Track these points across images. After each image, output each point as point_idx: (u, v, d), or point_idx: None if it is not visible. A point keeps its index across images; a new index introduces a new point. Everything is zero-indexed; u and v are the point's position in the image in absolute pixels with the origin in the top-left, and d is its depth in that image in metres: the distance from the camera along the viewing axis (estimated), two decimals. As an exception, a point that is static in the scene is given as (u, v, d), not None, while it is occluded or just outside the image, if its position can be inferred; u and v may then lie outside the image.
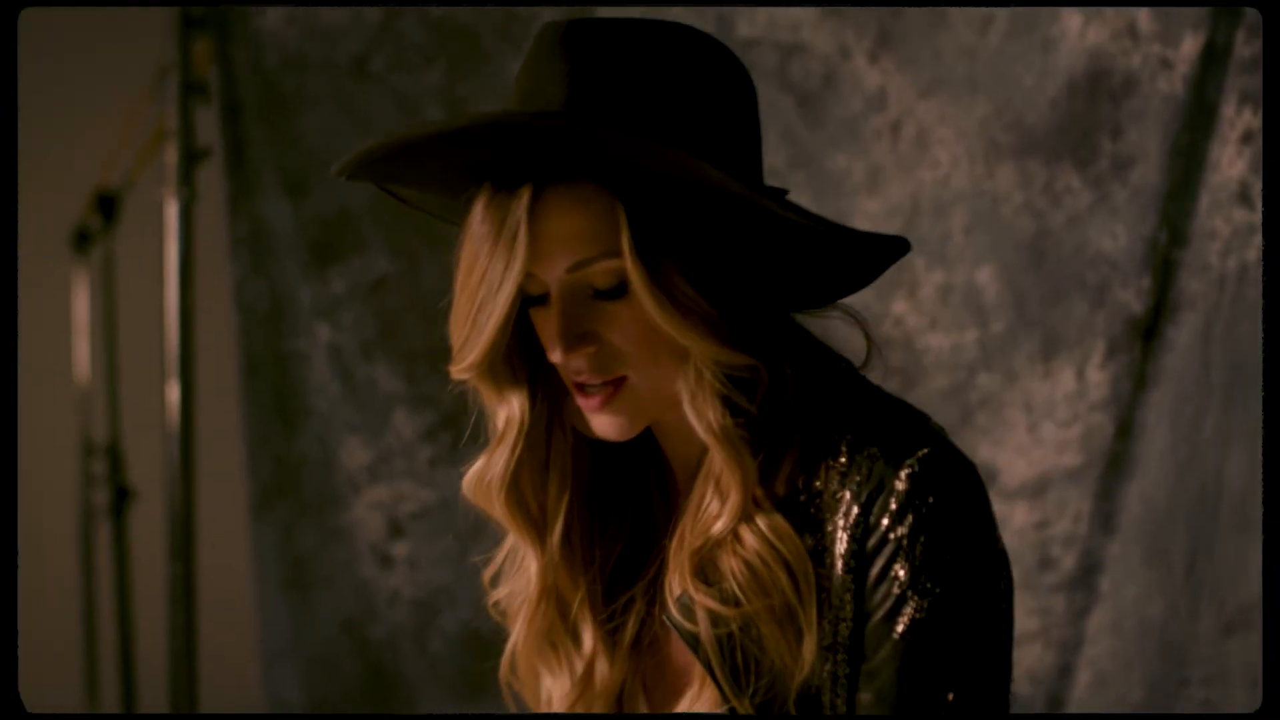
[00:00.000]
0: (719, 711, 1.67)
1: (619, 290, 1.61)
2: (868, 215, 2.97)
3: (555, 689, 1.85)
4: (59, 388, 4.43)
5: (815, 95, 3.06)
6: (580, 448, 1.79)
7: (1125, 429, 2.81)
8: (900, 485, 1.59)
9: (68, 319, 4.41)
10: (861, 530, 1.59)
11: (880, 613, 1.59)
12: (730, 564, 1.63)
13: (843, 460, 1.62)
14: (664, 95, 1.60)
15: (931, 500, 1.58)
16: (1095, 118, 2.83)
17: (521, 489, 1.76)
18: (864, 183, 3.01)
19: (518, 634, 1.81)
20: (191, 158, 3.47)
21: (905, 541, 1.58)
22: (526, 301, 1.67)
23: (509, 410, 1.74)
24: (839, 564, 1.60)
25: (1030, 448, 2.88)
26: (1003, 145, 2.91)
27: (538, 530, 1.78)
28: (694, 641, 1.63)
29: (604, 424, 1.68)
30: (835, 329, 1.75)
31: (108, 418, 4.10)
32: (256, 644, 3.54)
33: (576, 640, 1.82)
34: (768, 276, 1.65)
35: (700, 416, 1.61)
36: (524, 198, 1.61)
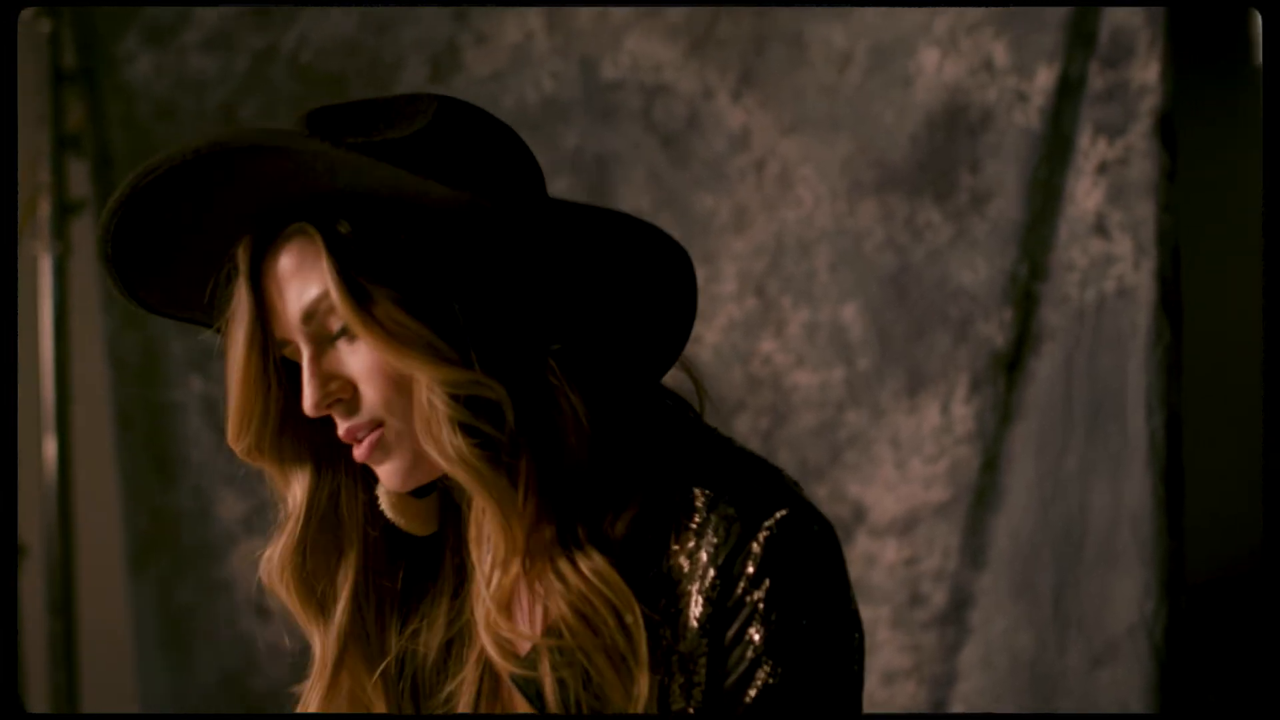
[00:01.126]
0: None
1: (348, 330, 1.58)
2: (734, 255, 2.96)
3: None
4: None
5: (679, 136, 3.06)
6: (382, 528, 1.77)
7: (991, 462, 2.82)
8: (757, 548, 1.56)
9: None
10: (718, 593, 1.56)
11: (733, 676, 1.57)
12: (559, 608, 1.61)
13: (698, 521, 1.60)
14: (379, 123, 1.58)
15: (788, 564, 1.56)
16: (954, 152, 2.84)
17: (305, 573, 1.73)
18: (730, 223, 3.01)
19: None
20: (65, 212, 3.45)
21: (761, 606, 1.55)
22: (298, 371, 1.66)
23: (292, 494, 1.71)
24: (694, 626, 1.57)
25: (898, 483, 2.88)
26: (865, 182, 2.91)
27: (323, 616, 1.75)
28: (536, 693, 1.61)
29: (385, 474, 1.65)
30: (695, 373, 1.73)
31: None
32: (137, 701, 3.51)
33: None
34: (515, 298, 1.61)
35: (434, 443, 1.57)
36: (242, 255, 1.60)
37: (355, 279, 1.55)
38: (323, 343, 1.60)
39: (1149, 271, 2.69)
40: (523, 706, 1.68)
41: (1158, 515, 2.68)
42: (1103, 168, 2.73)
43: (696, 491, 1.60)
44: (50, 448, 3.41)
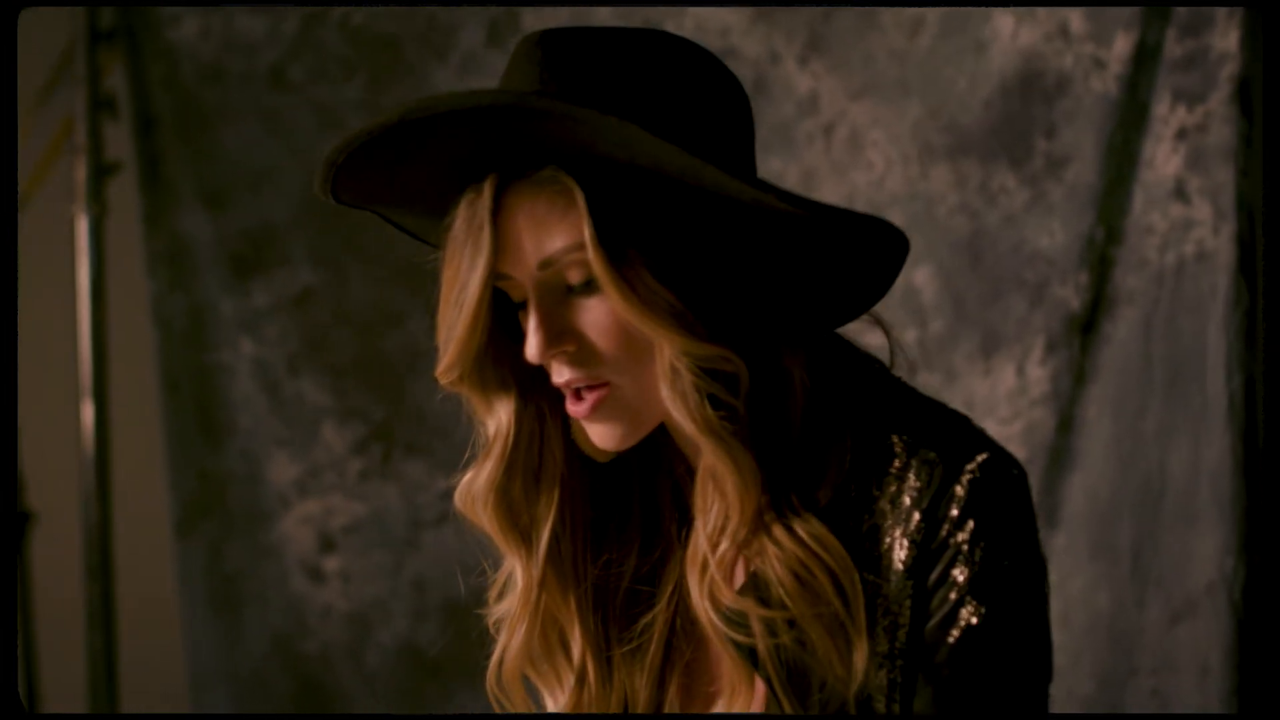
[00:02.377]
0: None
1: (590, 286, 1.59)
2: (803, 218, 2.98)
3: (551, 705, 1.83)
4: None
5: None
6: (575, 459, 1.78)
7: (1066, 424, 2.85)
8: (960, 491, 1.58)
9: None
10: (922, 536, 1.58)
11: (936, 617, 1.58)
12: (776, 573, 1.61)
13: (898, 466, 1.61)
14: (637, 85, 1.57)
15: (990, 506, 1.58)
16: (1029, 118, 2.87)
17: (510, 501, 1.73)
18: (799, 186, 3.02)
19: (503, 645, 1.80)
20: (101, 173, 3.41)
21: (965, 547, 1.57)
22: (516, 307, 1.66)
23: (496, 421, 1.72)
24: (899, 570, 1.59)
25: (972, 445, 2.91)
26: (937, 146, 2.94)
27: (526, 543, 1.76)
28: (751, 655, 1.62)
29: (598, 433, 1.66)
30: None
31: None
32: (183, 666, 3.48)
33: (567, 654, 1.81)
34: (757, 274, 1.64)
35: (679, 410, 1.58)
36: (487, 191, 1.60)
37: (612, 237, 1.55)
38: (554, 292, 1.61)
39: (1228, 236, 2.73)
40: (711, 660, 1.70)
41: (1236, 475, 2.72)
42: (1181, 134, 2.77)
43: (895, 439, 1.62)
44: (88, 413, 3.38)
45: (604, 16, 3.12)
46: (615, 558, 1.80)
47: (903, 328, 2.95)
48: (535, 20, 3.19)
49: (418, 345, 3.27)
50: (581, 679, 1.79)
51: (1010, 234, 2.89)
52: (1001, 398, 2.89)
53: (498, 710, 1.82)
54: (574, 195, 1.56)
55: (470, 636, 1.84)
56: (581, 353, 1.61)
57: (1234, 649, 2.72)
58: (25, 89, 3.79)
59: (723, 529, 1.62)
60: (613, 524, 1.80)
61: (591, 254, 1.55)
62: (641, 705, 1.81)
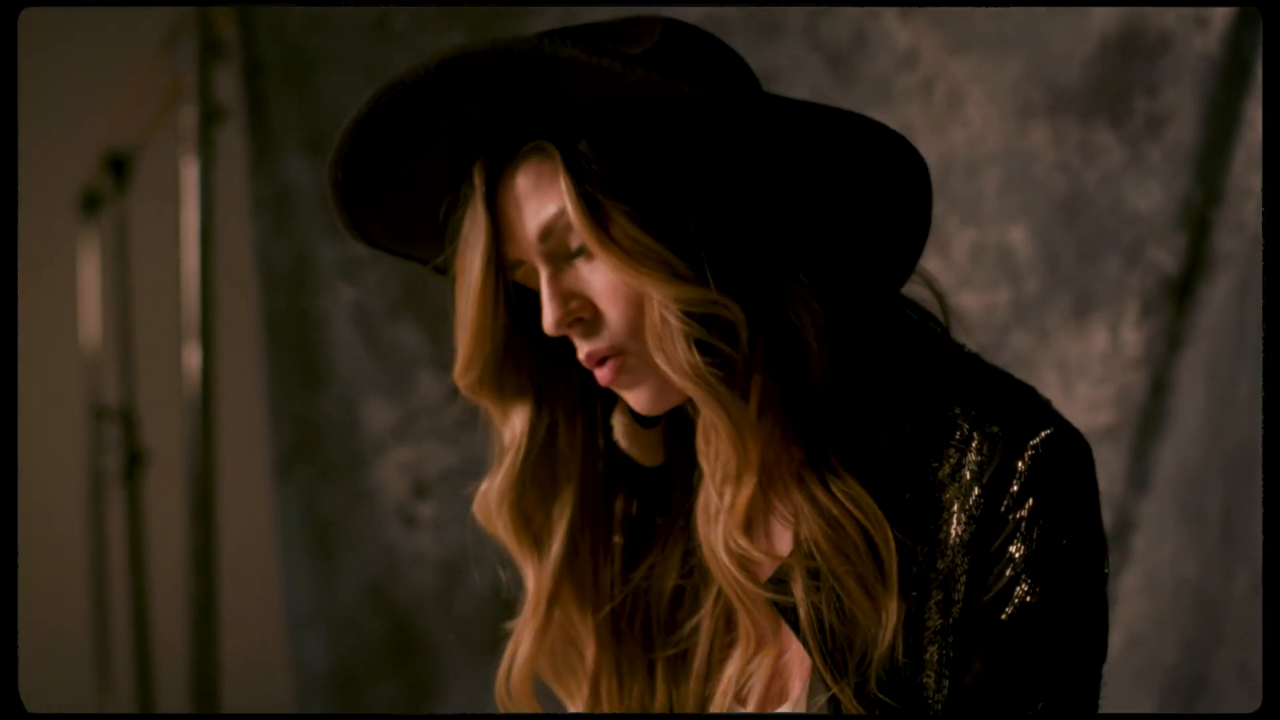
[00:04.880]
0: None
1: (586, 248, 1.59)
2: (899, 174, 2.96)
3: (571, 707, 1.83)
4: (66, 353, 4.39)
5: (845, 55, 3.05)
6: (598, 472, 1.78)
7: (1160, 387, 2.81)
8: (1022, 466, 1.56)
9: (74, 284, 4.37)
10: (981, 511, 1.57)
11: (991, 593, 1.57)
12: (809, 529, 1.61)
13: (959, 438, 1.60)
14: (613, 35, 1.57)
15: (1052, 484, 1.56)
16: (1129, 76, 2.82)
17: (523, 507, 1.74)
18: (895, 142, 2.99)
19: (509, 655, 1.80)
20: (210, 118, 3.45)
21: (1024, 524, 1.56)
22: (536, 311, 1.65)
23: (511, 430, 1.73)
24: (955, 544, 1.58)
25: (1063, 407, 2.85)
26: (1036, 104, 2.90)
27: (538, 554, 1.76)
28: (792, 616, 1.61)
29: (632, 399, 1.66)
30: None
31: (119, 382, 4.07)
32: (280, 609, 3.52)
33: (582, 660, 1.81)
34: (751, 217, 1.60)
35: (664, 358, 1.57)
36: (477, 175, 1.60)
37: (593, 196, 1.55)
38: (560, 260, 1.61)
39: (1330, 199, 2.68)
40: (757, 636, 1.69)
41: (1331, 444, 2.67)
42: (1284, 94, 2.71)
43: (957, 410, 1.61)
44: (194, 356, 3.42)
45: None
46: (659, 560, 1.80)
47: (996, 287, 2.92)
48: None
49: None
50: (595, 696, 1.80)
51: (1108, 194, 2.84)
52: (1094, 360, 2.85)
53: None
54: (556, 159, 1.57)
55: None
56: (595, 320, 1.61)
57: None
58: (134, 37, 3.85)
59: (727, 477, 1.61)
60: (659, 524, 1.81)
61: (574, 215, 1.55)
62: (690, 703, 1.80)
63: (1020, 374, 2.88)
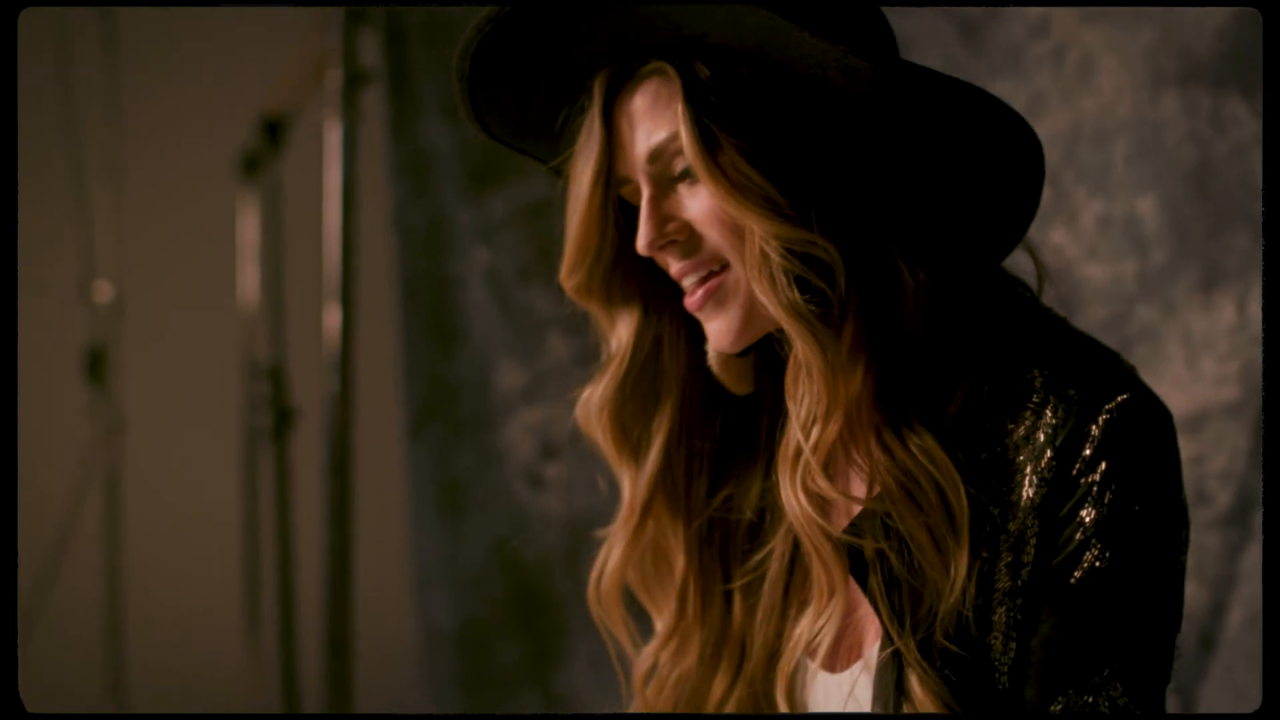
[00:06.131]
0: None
1: (691, 173, 1.62)
2: (1028, 144, 2.93)
3: (659, 625, 1.85)
4: (225, 312, 4.48)
5: (977, 22, 3.02)
6: (698, 391, 1.79)
7: (1287, 363, 2.76)
8: (1096, 431, 1.56)
9: (233, 244, 4.46)
10: (1053, 474, 1.57)
11: (1060, 556, 1.57)
12: (883, 480, 1.61)
13: (1036, 400, 1.59)
14: None
15: (1126, 449, 1.56)
16: (1262, 46, 2.77)
17: (623, 416, 1.77)
18: (1026, 110, 2.95)
19: (601, 562, 1.82)
20: (354, 82, 3.49)
21: (1095, 489, 1.56)
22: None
23: (617, 338, 1.76)
24: (1026, 506, 1.58)
25: (1188, 382, 2.83)
26: (1167, 73, 2.85)
27: (635, 462, 1.78)
28: (860, 563, 1.62)
29: (715, 332, 1.68)
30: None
31: (272, 341, 4.14)
32: (410, 565, 3.57)
33: (671, 572, 1.83)
34: (860, 164, 1.62)
35: (765, 291, 1.59)
36: (598, 90, 1.63)
37: (707, 124, 1.57)
38: (664, 184, 1.64)
39: None
40: (828, 585, 1.69)
41: None
42: None
43: (1035, 372, 1.60)
44: (334, 316, 3.47)
45: None
46: (738, 489, 1.81)
47: (1122, 258, 2.88)
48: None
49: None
50: (681, 609, 1.82)
51: (1238, 165, 2.79)
52: (1221, 333, 2.80)
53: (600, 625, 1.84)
54: (675, 84, 1.58)
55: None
56: (690, 241, 1.64)
57: None
58: (299, 11, 3.92)
59: (813, 417, 1.62)
60: (740, 456, 1.82)
61: (685, 138, 1.58)
62: (758, 644, 1.81)
63: (1145, 348, 2.87)
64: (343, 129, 3.46)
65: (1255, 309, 2.78)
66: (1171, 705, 2.78)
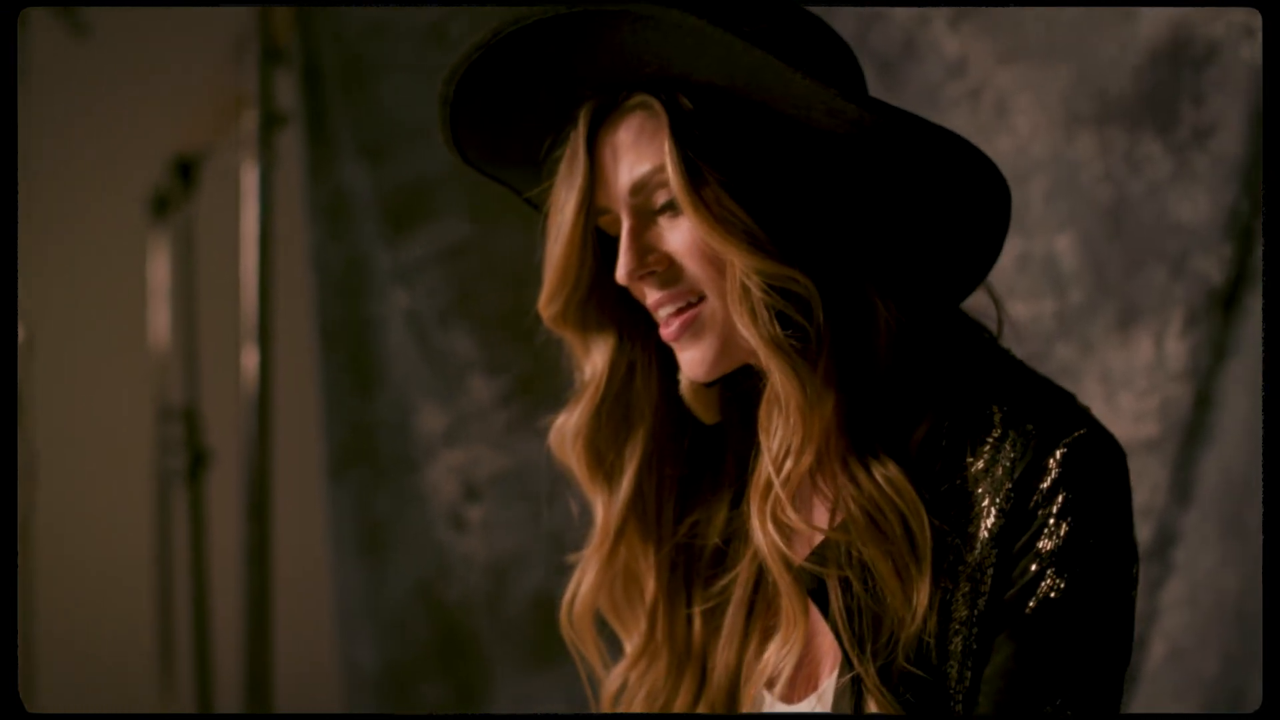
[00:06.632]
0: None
1: (673, 206, 1.64)
2: (946, 183, 2.95)
3: (628, 647, 1.87)
4: (134, 353, 4.45)
5: (895, 63, 3.05)
6: (670, 418, 1.81)
7: (1204, 399, 2.79)
8: (1053, 465, 1.59)
9: (144, 284, 4.43)
10: (1011, 506, 1.59)
11: (1016, 587, 1.59)
12: (849, 510, 1.63)
13: (996, 435, 1.62)
14: (725, 8, 1.59)
15: (1082, 483, 1.59)
16: (1176, 86, 2.81)
17: (598, 442, 1.79)
18: (942, 150, 2.99)
19: (574, 585, 1.84)
20: (270, 123, 3.49)
21: (1052, 521, 1.58)
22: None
23: (592, 366, 1.78)
24: (985, 537, 1.60)
25: (1107, 419, 2.83)
26: (1083, 113, 2.88)
27: (609, 488, 1.80)
28: (822, 591, 1.63)
29: (690, 361, 1.70)
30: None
31: (184, 383, 4.12)
32: (331, 607, 3.56)
33: (641, 595, 1.85)
34: (838, 201, 1.65)
35: (746, 324, 1.62)
36: (582, 120, 1.65)
37: (692, 158, 1.60)
38: (645, 215, 1.66)
39: (1376, 211, 2.65)
40: (790, 612, 1.70)
41: (1376, 458, 2.64)
42: (1332, 105, 2.68)
43: (995, 408, 1.64)
44: (252, 357, 3.46)
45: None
46: (704, 516, 1.83)
47: (1041, 297, 2.91)
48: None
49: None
50: (651, 630, 1.83)
51: (1153, 204, 2.83)
52: (1139, 371, 2.84)
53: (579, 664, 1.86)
54: (660, 118, 1.60)
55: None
56: (669, 272, 1.66)
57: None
58: (204, 46, 3.90)
59: (786, 450, 1.64)
60: (706, 483, 1.84)
61: (671, 172, 1.60)
62: (720, 668, 1.83)
63: (1064, 385, 2.87)
64: (259, 170, 3.45)
65: (1173, 345, 2.81)
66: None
